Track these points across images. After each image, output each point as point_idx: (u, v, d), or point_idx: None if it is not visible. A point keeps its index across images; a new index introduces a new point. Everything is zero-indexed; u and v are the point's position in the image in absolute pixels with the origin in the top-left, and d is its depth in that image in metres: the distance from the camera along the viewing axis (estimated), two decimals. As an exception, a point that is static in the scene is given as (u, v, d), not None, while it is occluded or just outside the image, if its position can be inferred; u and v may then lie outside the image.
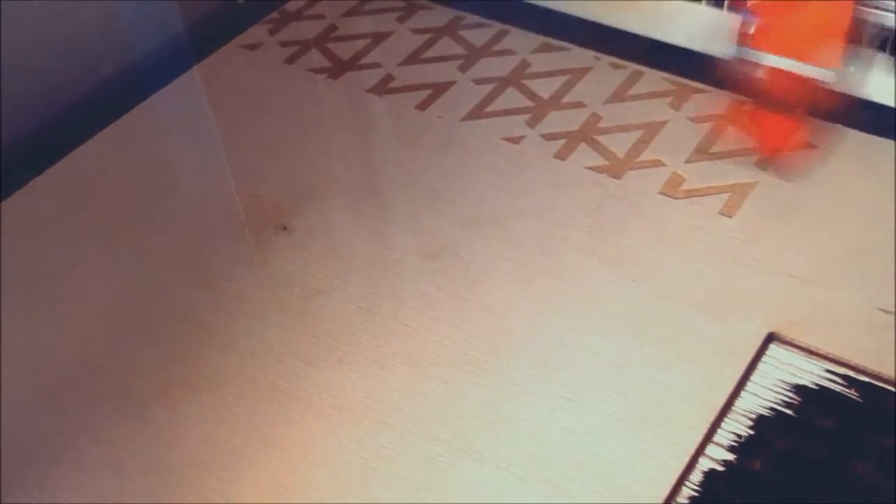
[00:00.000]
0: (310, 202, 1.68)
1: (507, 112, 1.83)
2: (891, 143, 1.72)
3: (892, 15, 1.67)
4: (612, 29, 1.95)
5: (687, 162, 1.71)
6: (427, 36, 2.01)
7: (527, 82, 1.89)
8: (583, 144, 1.76)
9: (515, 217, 1.64)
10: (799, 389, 1.37)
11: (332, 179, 1.73)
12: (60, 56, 1.81)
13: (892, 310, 1.46)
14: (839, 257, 1.54)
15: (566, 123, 1.80)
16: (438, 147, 1.77)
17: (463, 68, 1.93)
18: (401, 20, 2.06)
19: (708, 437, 1.33)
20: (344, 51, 1.99)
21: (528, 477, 1.29)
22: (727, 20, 1.81)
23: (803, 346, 1.42)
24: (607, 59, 1.93)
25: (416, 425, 1.36)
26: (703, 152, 1.73)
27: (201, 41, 1.99)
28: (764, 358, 1.41)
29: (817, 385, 1.38)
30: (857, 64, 1.66)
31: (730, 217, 1.61)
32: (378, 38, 2.02)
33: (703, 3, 1.83)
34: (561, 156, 1.74)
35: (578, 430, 1.34)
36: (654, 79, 1.88)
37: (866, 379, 1.38)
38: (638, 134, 1.77)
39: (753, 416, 1.35)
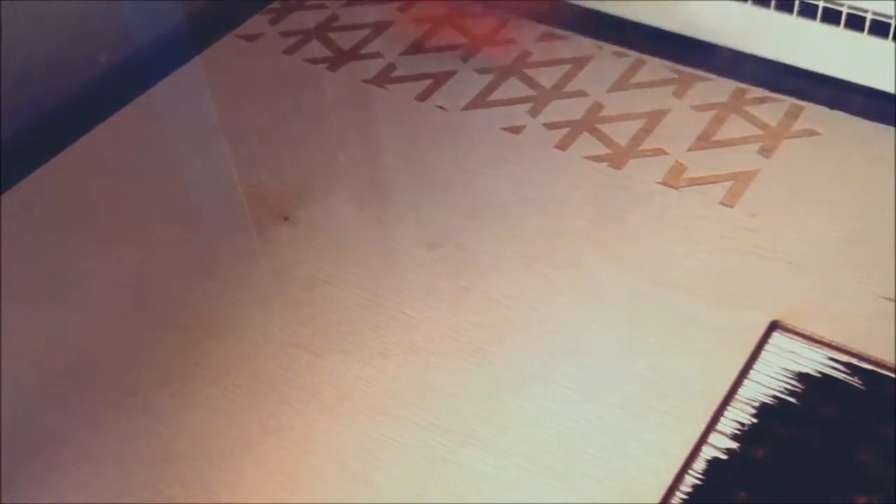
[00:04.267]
0: (311, 193, 1.68)
1: (508, 101, 1.83)
2: (892, 129, 1.71)
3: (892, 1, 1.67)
4: (613, 17, 1.95)
5: (689, 150, 1.71)
6: (428, 25, 2.01)
7: (528, 71, 1.89)
8: (585, 133, 1.75)
9: (517, 207, 1.64)
10: (802, 377, 1.37)
11: (333, 170, 1.73)
12: (60, 48, 1.81)
13: (895, 297, 1.46)
14: (842, 245, 1.54)
15: (568, 113, 1.80)
16: (440, 137, 1.77)
17: (464, 58, 1.93)
18: (402, 9, 2.05)
19: (711, 426, 1.32)
20: (345, 41, 1.98)
21: (530, 466, 1.29)
22: (737, 10, 1.81)
23: (806, 334, 1.42)
24: (609, 48, 1.93)
25: (418, 415, 1.36)
26: (705, 141, 1.73)
27: (202, 32, 1.99)
28: (766, 346, 1.41)
29: (820, 373, 1.37)
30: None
31: (732, 205, 1.61)
32: (379, 27, 2.01)
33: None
34: (563, 145, 1.74)
35: (581, 418, 1.34)
36: (657, 67, 1.88)
37: (869, 367, 1.37)
38: (640, 123, 1.77)
39: (756, 405, 1.34)
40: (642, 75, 1.86)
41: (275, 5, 2.08)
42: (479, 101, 1.83)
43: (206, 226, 1.65)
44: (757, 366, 1.39)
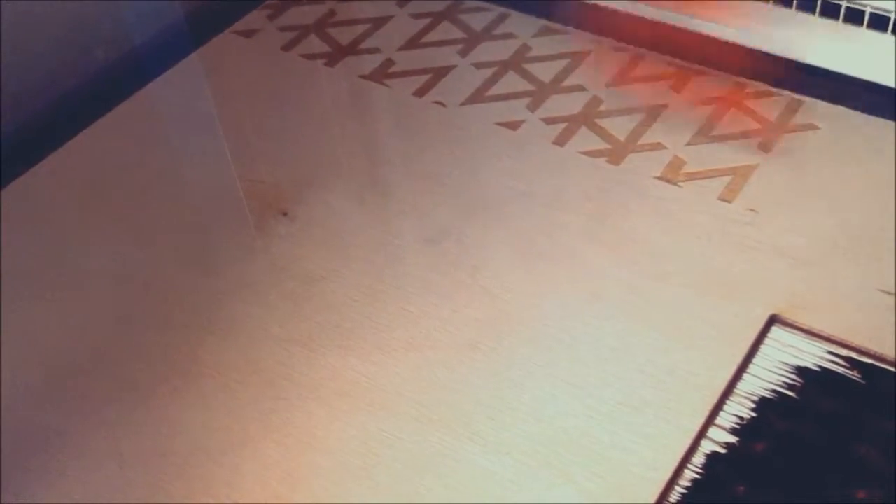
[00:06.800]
0: (310, 188, 1.68)
1: (507, 96, 1.83)
2: (892, 124, 1.71)
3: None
4: (612, 11, 1.95)
5: (688, 145, 1.71)
6: (427, 20, 2.01)
7: (527, 66, 1.89)
8: (583, 128, 1.75)
9: (516, 201, 1.63)
10: (801, 371, 1.37)
11: (332, 165, 1.73)
12: (58, 44, 1.81)
13: (894, 291, 1.46)
14: (841, 239, 1.54)
15: (567, 107, 1.80)
16: (438, 132, 1.77)
17: (463, 52, 1.93)
18: (400, 4, 2.05)
19: (710, 420, 1.33)
20: (343, 36, 1.98)
21: (530, 461, 1.29)
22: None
23: (805, 328, 1.42)
24: (608, 42, 1.92)
25: (418, 410, 1.36)
26: (703, 135, 1.72)
27: (200, 28, 1.99)
28: (766, 340, 1.41)
29: (819, 367, 1.37)
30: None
31: (731, 200, 1.61)
32: (377, 22, 2.01)
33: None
34: (561, 140, 1.73)
35: (580, 413, 1.34)
36: (655, 61, 1.88)
37: (868, 360, 1.38)
38: (639, 117, 1.77)
39: (755, 399, 1.35)
40: (641, 70, 1.86)
41: (272, 1, 2.08)
42: (478, 97, 1.83)
43: (205, 221, 1.65)
44: (756, 360, 1.39)
